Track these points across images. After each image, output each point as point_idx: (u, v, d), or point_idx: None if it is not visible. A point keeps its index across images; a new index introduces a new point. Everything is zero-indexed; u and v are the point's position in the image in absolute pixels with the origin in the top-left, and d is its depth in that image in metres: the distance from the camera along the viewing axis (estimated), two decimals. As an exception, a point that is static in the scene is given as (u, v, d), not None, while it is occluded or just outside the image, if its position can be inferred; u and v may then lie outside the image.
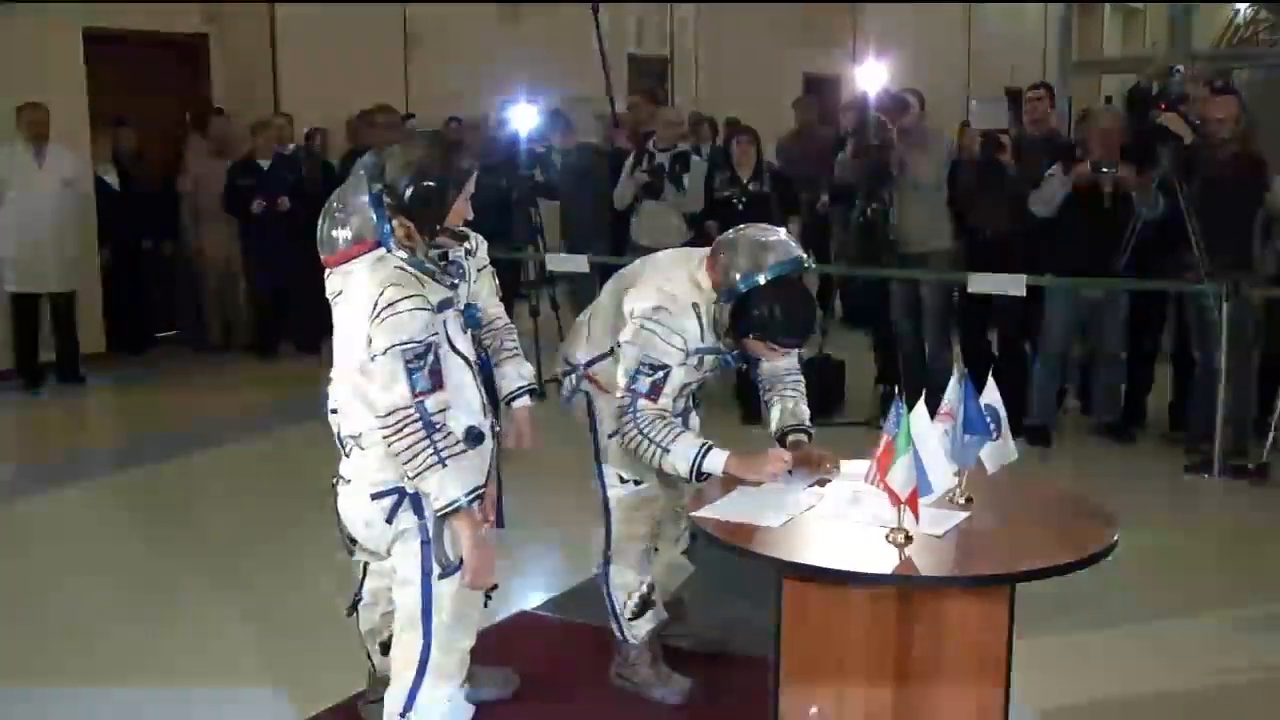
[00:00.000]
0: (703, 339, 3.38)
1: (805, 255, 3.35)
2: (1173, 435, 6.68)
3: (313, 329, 9.35)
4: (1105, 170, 6.25)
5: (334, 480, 3.05)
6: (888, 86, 7.21)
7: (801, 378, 3.66)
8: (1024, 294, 6.43)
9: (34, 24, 8.44)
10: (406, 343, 2.74)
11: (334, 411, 3.12)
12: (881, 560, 2.72)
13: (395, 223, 2.87)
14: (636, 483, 3.59)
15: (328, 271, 3.02)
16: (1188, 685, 3.94)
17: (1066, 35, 13.88)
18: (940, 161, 6.84)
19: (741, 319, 3.26)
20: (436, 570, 2.92)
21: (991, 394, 3.09)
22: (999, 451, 3.11)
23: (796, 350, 3.53)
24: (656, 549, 3.86)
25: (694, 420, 3.72)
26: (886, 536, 2.78)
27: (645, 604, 3.71)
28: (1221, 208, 6.03)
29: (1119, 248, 6.15)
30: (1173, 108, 6.14)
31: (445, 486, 2.79)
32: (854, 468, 3.27)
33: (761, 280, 3.23)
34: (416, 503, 2.89)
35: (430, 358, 2.77)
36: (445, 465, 2.77)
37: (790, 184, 8.18)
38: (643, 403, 3.31)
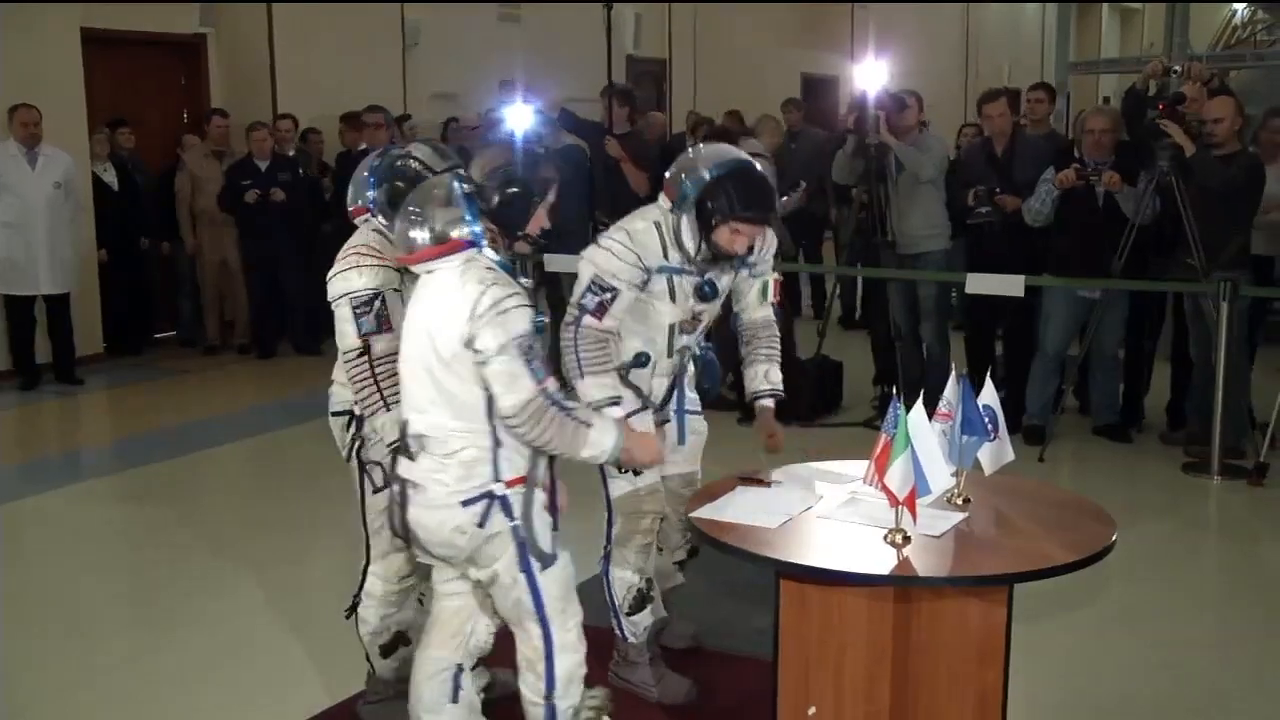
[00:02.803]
0: (666, 256, 3.45)
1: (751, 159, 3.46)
2: (1171, 436, 6.69)
3: (311, 330, 9.39)
4: (1092, 172, 6.27)
5: (396, 483, 2.99)
6: (886, 86, 7.19)
7: (777, 334, 3.79)
8: (1022, 294, 6.43)
9: (31, 24, 8.43)
10: (519, 338, 2.82)
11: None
12: (879, 561, 2.73)
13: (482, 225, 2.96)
14: (635, 473, 3.59)
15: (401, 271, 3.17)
16: (1186, 685, 3.95)
17: (1064, 35, 13.91)
18: (938, 161, 6.85)
19: (702, 212, 3.39)
20: (537, 565, 2.97)
21: (989, 395, 3.10)
22: (997, 452, 3.12)
23: (771, 277, 3.72)
24: (660, 549, 3.86)
25: (690, 397, 3.76)
26: (884, 537, 2.79)
27: (643, 599, 3.71)
28: (1219, 208, 6.04)
29: (1117, 248, 6.16)
30: (1171, 108, 6.12)
31: (601, 440, 2.92)
32: (852, 468, 3.27)
33: (708, 175, 3.39)
34: (506, 505, 2.92)
35: (538, 348, 2.87)
36: (590, 425, 2.91)
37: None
38: (588, 319, 3.39)
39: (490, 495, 2.90)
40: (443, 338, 2.84)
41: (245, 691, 3.91)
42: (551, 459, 2.98)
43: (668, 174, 3.52)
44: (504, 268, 2.93)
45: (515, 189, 2.99)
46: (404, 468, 2.96)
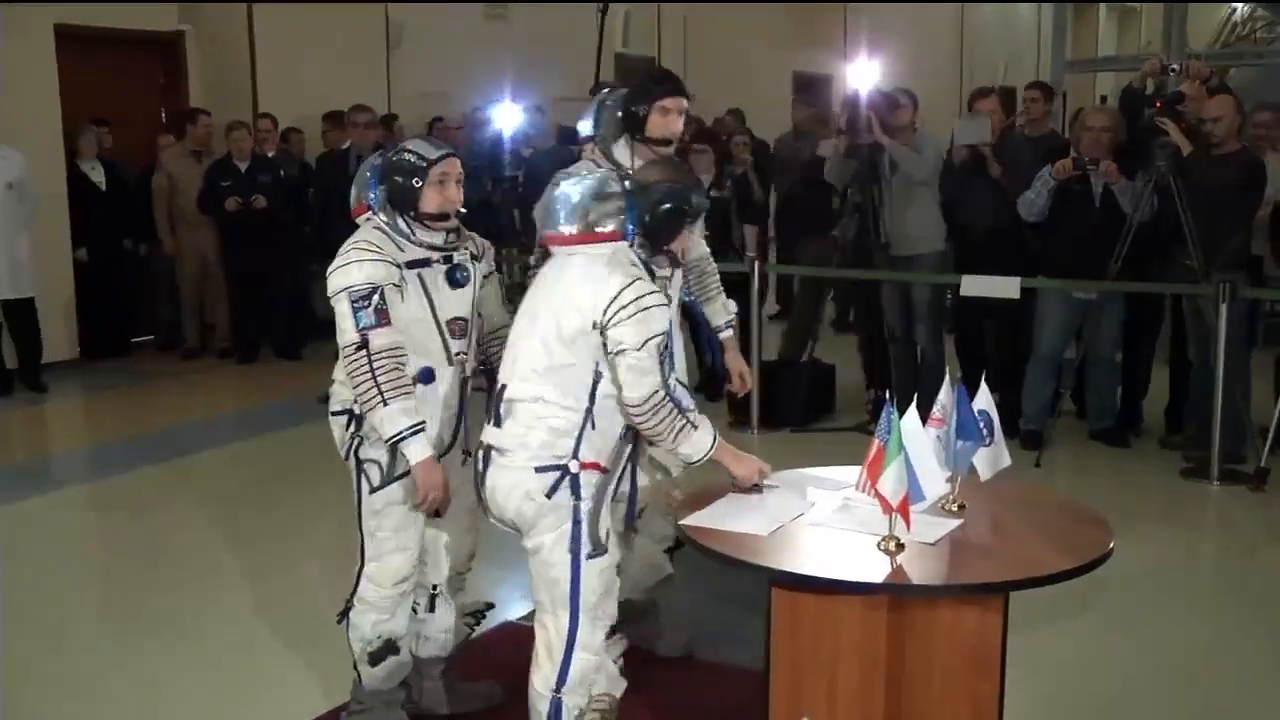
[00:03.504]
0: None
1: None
2: (1169, 440, 6.70)
3: (293, 334, 9.37)
4: (1089, 162, 6.27)
5: (479, 448, 3.16)
6: (879, 85, 7.20)
7: (714, 264, 4.18)
8: (1018, 296, 6.44)
9: (3, 22, 8.39)
10: (656, 336, 2.99)
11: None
12: (873, 569, 2.73)
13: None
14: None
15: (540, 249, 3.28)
16: (1185, 692, 3.95)
17: (1060, 33, 13.95)
18: (932, 162, 6.85)
19: (630, 119, 3.71)
20: (586, 549, 3.05)
21: (984, 399, 3.10)
22: (992, 457, 3.12)
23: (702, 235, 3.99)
24: (631, 546, 3.83)
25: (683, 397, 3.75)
26: (878, 544, 2.79)
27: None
28: (1219, 208, 6.05)
29: (1113, 248, 6.17)
30: (1169, 106, 6.14)
31: (703, 439, 3.08)
32: (845, 474, 3.27)
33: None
34: (575, 484, 3.05)
35: (666, 348, 3.07)
36: (696, 427, 3.08)
37: (751, 191, 8.22)
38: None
39: (565, 470, 3.04)
40: (571, 316, 3.00)
41: (226, 706, 3.90)
42: (634, 466, 3.19)
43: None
44: (646, 266, 3.09)
45: (671, 205, 3.11)
46: (489, 434, 3.12)
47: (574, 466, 3.05)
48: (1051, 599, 3.63)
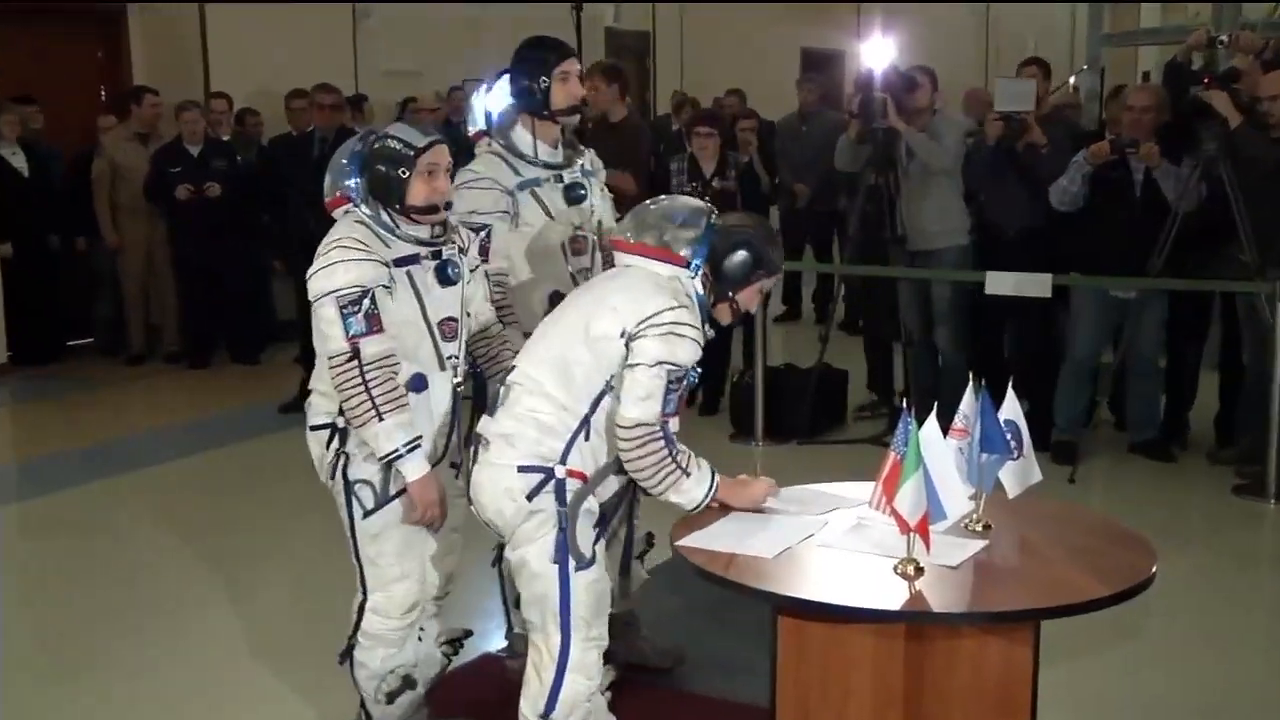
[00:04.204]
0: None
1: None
2: (1219, 454, 6.70)
3: (251, 335, 9.34)
4: (1128, 145, 6.26)
5: (475, 440, 3.28)
6: (895, 63, 7.20)
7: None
8: (1049, 295, 6.44)
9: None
10: (675, 365, 3.11)
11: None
12: (889, 594, 2.73)
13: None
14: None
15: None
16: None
17: (1098, 4, 13.93)
18: (954, 149, 6.84)
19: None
20: (572, 562, 3.14)
21: (1011, 407, 3.09)
22: (1021, 472, 3.12)
23: None
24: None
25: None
26: (894, 568, 2.79)
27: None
28: (1276, 195, 6.03)
29: (1155, 241, 6.16)
30: (1220, 83, 6.13)
31: (693, 491, 3.18)
32: (858, 490, 3.26)
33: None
34: (560, 489, 3.15)
35: (682, 385, 3.18)
36: (689, 475, 3.17)
37: (758, 181, 8.24)
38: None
39: (549, 473, 3.15)
40: (605, 318, 3.16)
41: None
42: (632, 506, 3.39)
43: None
44: (701, 304, 3.23)
45: (748, 253, 3.25)
46: (482, 423, 3.27)
47: (560, 472, 3.14)
48: (1087, 629, 3.62)
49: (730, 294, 3.28)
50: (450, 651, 3.74)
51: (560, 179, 4.02)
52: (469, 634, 3.84)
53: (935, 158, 6.77)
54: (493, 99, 4.04)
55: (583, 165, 4.12)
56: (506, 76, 4.00)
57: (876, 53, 7.17)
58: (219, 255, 9.11)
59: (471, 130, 4.10)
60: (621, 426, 3.10)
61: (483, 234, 3.73)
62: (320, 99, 8.26)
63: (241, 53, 10.27)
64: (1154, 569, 2.89)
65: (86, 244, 9.53)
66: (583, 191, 4.05)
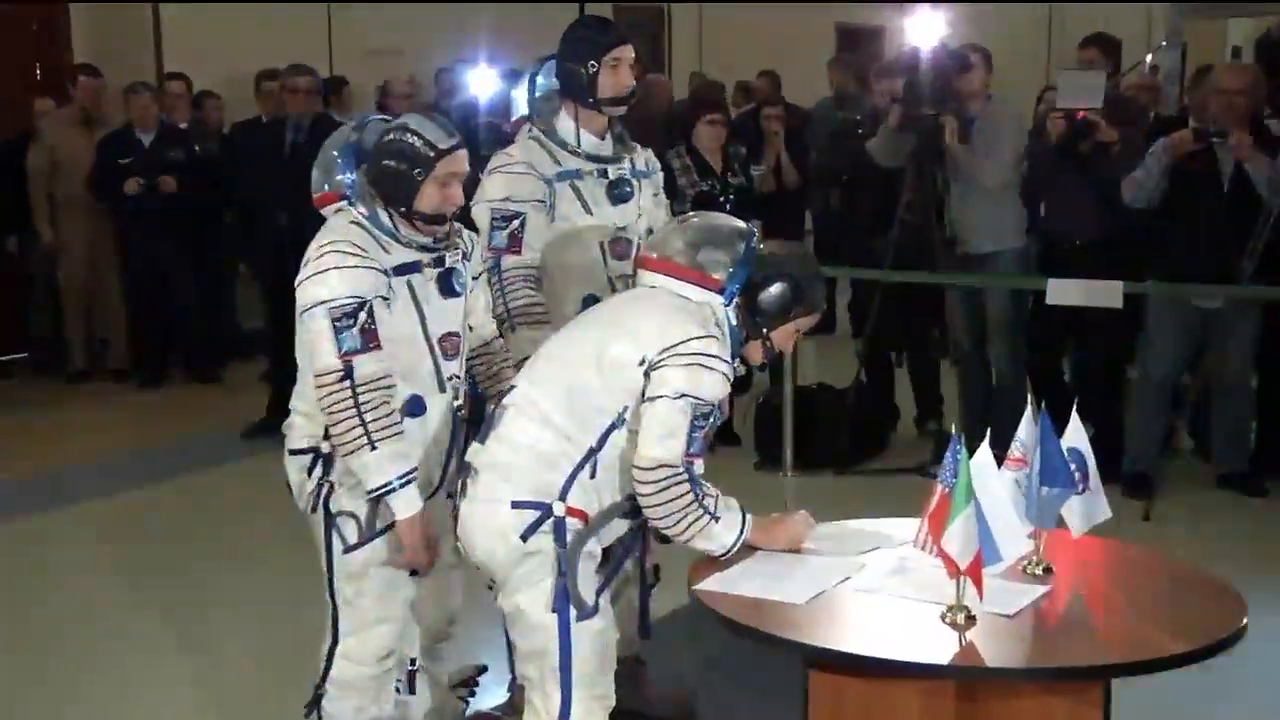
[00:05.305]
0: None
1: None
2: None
3: (210, 349, 9.35)
4: (1215, 140, 6.22)
5: (462, 471, 3.30)
6: (945, 40, 7.21)
7: None
8: (1120, 305, 6.42)
9: None
10: (702, 401, 3.11)
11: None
12: (936, 647, 2.73)
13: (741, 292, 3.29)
14: None
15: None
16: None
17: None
18: (1009, 158, 6.82)
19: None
20: (573, 612, 3.13)
21: (1076, 433, 3.09)
22: (1087, 507, 3.12)
23: None
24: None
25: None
26: (942, 616, 2.79)
27: None
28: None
29: (1245, 244, 6.16)
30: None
31: (723, 536, 3.19)
32: (901, 528, 3.26)
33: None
34: (560, 529, 3.14)
35: (709, 422, 3.17)
36: (718, 520, 3.17)
37: (779, 176, 8.25)
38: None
39: (546, 510, 3.14)
40: (622, 343, 3.17)
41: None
42: (643, 563, 3.42)
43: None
44: (734, 337, 3.26)
45: (786, 284, 3.27)
46: (471, 451, 3.27)
47: (559, 509, 3.13)
48: (1165, 690, 3.61)
49: (765, 330, 3.31)
50: (466, 694, 3.76)
51: (605, 174, 4.07)
52: (483, 670, 3.85)
53: (987, 178, 6.75)
54: (541, 82, 4.14)
55: (634, 163, 4.17)
56: (558, 55, 4.06)
57: (923, 28, 7.18)
58: (173, 258, 9.13)
59: (513, 118, 4.20)
60: (641, 468, 3.10)
61: (515, 222, 3.80)
62: (293, 82, 8.15)
63: (200, 28, 10.30)
64: (1244, 621, 2.88)
65: (19, 244, 9.57)
66: (629, 190, 4.10)
